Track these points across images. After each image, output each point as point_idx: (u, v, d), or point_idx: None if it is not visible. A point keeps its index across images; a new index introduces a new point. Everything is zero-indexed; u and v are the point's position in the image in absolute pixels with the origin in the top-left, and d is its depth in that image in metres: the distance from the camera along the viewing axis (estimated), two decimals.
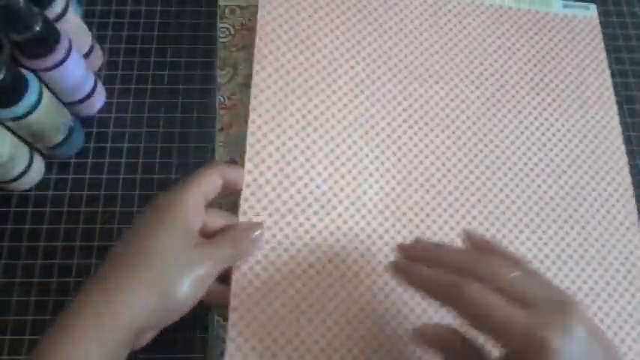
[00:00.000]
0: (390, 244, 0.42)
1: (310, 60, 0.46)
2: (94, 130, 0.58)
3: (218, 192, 0.38)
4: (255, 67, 0.45)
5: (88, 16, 0.63)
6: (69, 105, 0.55)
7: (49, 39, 0.48)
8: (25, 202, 0.55)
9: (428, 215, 0.43)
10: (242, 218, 0.40)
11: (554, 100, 0.50)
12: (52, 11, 0.51)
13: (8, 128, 0.49)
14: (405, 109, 0.47)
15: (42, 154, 0.56)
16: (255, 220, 0.40)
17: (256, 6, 0.48)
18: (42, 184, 0.55)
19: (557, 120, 0.49)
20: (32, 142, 0.53)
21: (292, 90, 0.45)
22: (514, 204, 0.45)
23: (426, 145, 0.46)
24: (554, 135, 0.48)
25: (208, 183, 0.37)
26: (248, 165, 0.42)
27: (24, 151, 0.52)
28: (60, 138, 0.53)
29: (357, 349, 0.38)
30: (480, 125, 0.47)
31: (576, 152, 0.48)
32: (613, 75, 0.54)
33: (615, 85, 0.53)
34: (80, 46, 0.56)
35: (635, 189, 0.56)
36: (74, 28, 0.54)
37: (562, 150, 0.48)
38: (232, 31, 0.54)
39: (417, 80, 0.48)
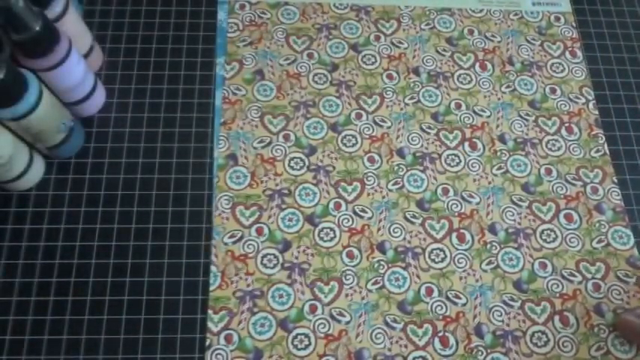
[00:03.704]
0: None
1: None
2: (94, 130, 0.58)
3: None
4: None
5: (88, 16, 0.63)
6: (69, 105, 0.55)
7: (49, 39, 0.48)
8: (25, 202, 0.55)
9: None
10: None
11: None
12: (52, 11, 0.50)
13: (8, 128, 0.49)
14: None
15: (42, 154, 0.56)
16: None
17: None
18: (42, 184, 0.55)
19: None
20: (32, 142, 0.53)
21: None
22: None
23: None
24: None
25: None
26: None
27: (24, 151, 0.52)
28: (60, 138, 0.53)
29: None
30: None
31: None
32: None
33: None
34: (80, 46, 0.56)
35: (636, 189, 0.56)
36: (74, 28, 0.54)
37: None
38: (241, 27, 0.54)
39: None
